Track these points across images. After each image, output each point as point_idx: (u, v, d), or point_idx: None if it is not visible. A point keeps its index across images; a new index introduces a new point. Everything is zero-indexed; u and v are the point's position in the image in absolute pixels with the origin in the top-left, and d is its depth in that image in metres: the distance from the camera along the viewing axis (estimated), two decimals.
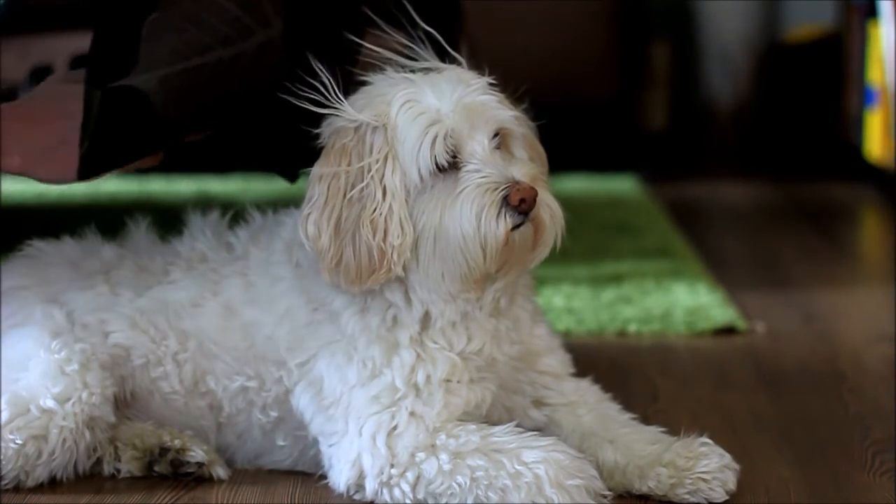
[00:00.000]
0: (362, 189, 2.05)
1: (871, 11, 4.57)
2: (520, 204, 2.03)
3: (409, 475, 2.04)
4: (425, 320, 2.10)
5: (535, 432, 2.11)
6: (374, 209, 2.04)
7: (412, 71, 2.12)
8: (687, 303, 3.19)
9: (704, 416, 2.50)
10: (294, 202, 2.19)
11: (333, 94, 2.07)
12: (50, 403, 2.13)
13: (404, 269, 2.07)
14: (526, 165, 2.09)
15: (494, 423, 2.10)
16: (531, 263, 2.12)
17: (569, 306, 3.15)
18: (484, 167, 2.04)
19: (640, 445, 2.14)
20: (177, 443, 2.19)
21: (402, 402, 2.07)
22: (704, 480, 2.09)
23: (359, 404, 2.08)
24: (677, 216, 4.20)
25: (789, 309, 3.23)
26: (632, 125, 5.11)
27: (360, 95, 2.11)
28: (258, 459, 2.24)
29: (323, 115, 2.08)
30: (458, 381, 2.10)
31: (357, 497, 2.09)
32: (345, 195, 2.05)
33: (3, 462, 2.12)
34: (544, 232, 2.07)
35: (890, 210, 4.40)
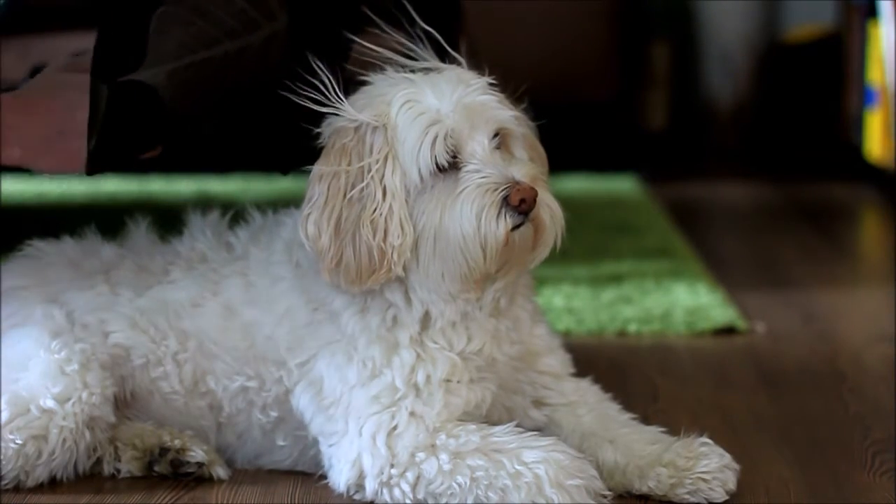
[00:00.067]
0: (362, 189, 2.05)
1: (871, 11, 4.57)
2: (520, 204, 2.03)
3: (409, 475, 2.04)
4: (425, 320, 2.10)
5: (535, 432, 2.11)
6: (375, 209, 2.04)
7: (412, 71, 2.12)
8: (687, 303, 3.19)
9: (704, 416, 2.50)
10: (294, 202, 2.19)
11: (334, 94, 2.07)
12: (50, 403, 2.13)
13: (404, 269, 2.07)
14: (526, 165, 2.09)
15: (494, 423, 2.10)
16: (531, 263, 2.12)
17: (569, 306, 3.15)
18: (484, 167, 2.04)
19: (640, 445, 2.14)
20: (177, 443, 2.19)
21: (402, 402, 2.07)
22: (704, 480, 2.09)
23: (359, 404, 2.08)
24: (677, 216, 4.20)
25: (789, 309, 3.23)
26: (632, 125, 5.11)
27: (360, 95, 2.11)
28: (258, 459, 2.24)
29: (323, 114, 2.08)
30: (458, 381, 2.10)
31: (357, 497, 2.09)
32: (345, 195, 2.05)
33: (3, 462, 2.12)
34: (544, 232, 2.07)
35: (890, 210, 4.40)
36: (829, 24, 5.34)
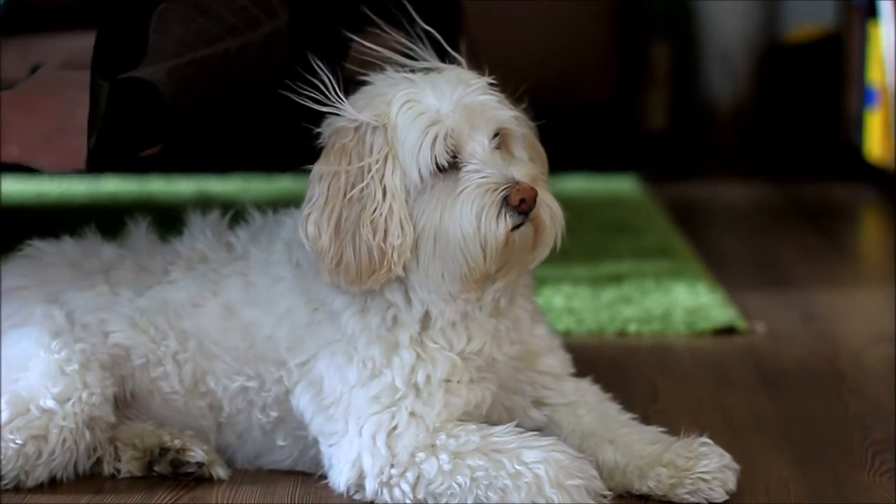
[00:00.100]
0: (362, 189, 2.05)
1: (871, 11, 4.57)
2: (520, 204, 2.03)
3: (409, 475, 2.04)
4: (425, 320, 2.10)
5: (535, 432, 2.11)
6: (375, 209, 2.04)
7: (412, 71, 2.12)
8: (687, 303, 3.19)
9: (704, 416, 2.50)
10: (294, 202, 2.19)
11: (334, 94, 2.07)
12: (50, 403, 2.13)
13: (404, 269, 2.07)
14: (526, 165, 2.09)
15: (494, 423, 2.10)
16: (531, 263, 2.12)
17: (569, 306, 3.15)
18: (484, 167, 2.04)
19: (640, 445, 2.14)
20: (177, 443, 2.19)
21: (402, 402, 2.07)
22: (704, 480, 2.09)
23: (359, 404, 2.08)
24: (677, 216, 4.20)
25: (789, 309, 3.23)
26: (632, 125, 5.11)
27: (360, 95, 2.11)
28: (258, 459, 2.24)
29: (323, 114, 2.08)
30: (458, 381, 2.10)
31: (357, 497, 2.09)
32: (345, 195, 2.05)
33: (3, 462, 2.12)
34: (544, 232, 2.07)
35: (890, 210, 4.40)
36: (829, 24, 5.34)
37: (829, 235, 4.11)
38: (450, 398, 2.09)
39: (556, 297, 3.21)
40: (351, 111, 2.07)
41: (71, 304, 2.24)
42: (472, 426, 2.07)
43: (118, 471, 2.21)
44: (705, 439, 2.13)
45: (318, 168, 2.08)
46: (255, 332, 2.17)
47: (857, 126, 4.77)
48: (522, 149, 2.13)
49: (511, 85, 2.17)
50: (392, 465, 2.05)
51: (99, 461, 2.20)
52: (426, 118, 2.05)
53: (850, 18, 4.96)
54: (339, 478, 2.09)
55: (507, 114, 2.10)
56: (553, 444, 2.04)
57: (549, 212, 2.07)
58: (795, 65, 5.31)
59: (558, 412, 2.21)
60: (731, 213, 4.53)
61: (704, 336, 3.01)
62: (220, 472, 2.19)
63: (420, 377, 2.09)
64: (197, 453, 2.18)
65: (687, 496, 2.09)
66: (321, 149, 2.11)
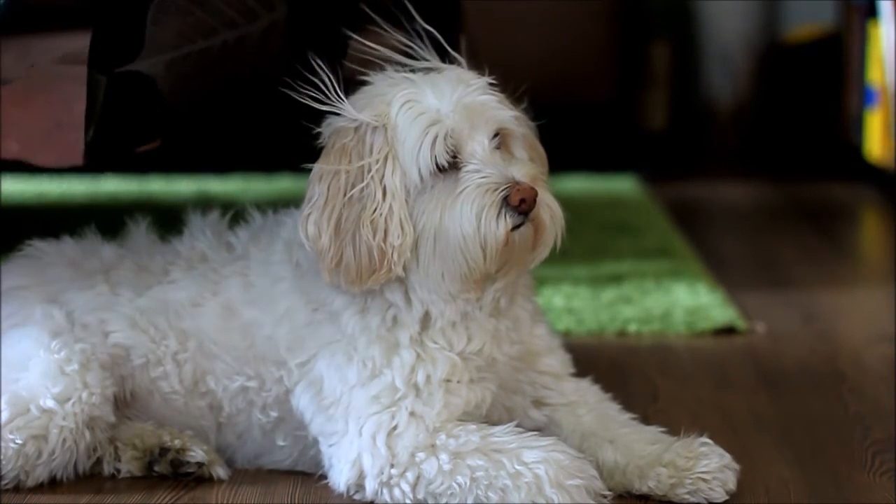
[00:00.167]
0: (362, 189, 2.05)
1: (871, 11, 4.57)
2: (520, 204, 2.03)
3: (409, 475, 2.04)
4: (425, 320, 2.10)
5: (535, 432, 2.11)
6: (375, 209, 2.04)
7: (412, 71, 2.12)
8: (687, 303, 3.19)
9: (704, 416, 2.50)
10: (294, 202, 2.19)
11: (334, 94, 2.07)
12: (50, 403, 2.13)
13: (404, 269, 2.07)
14: (526, 165, 2.09)
15: (494, 423, 2.10)
16: (531, 263, 2.12)
17: (569, 306, 3.15)
18: (484, 167, 2.04)
19: (640, 445, 2.14)
20: (177, 443, 2.19)
21: (402, 402, 2.07)
22: (704, 480, 2.09)
23: (359, 404, 2.08)
24: (677, 216, 4.20)
25: (789, 309, 3.23)
26: (632, 125, 5.11)
27: (360, 95, 2.11)
28: (258, 459, 2.24)
29: (323, 113, 2.08)
30: (458, 381, 2.10)
31: (357, 497, 2.09)
32: (345, 195, 2.05)
33: (3, 462, 2.12)
34: (544, 232, 2.07)
35: (890, 210, 4.40)
36: (829, 24, 5.34)
37: (829, 235, 4.11)
38: (450, 398, 2.09)
39: (556, 297, 3.21)
40: (351, 111, 2.07)
41: (71, 304, 2.24)
42: (472, 426, 2.07)
43: (118, 471, 2.21)
44: (705, 439, 2.13)
45: (318, 168, 2.08)
46: (255, 332, 2.17)
47: (857, 126, 4.77)
48: (522, 149, 2.13)
49: (511, 85, 2.17)
50: (392, 465, 2.05)
51: (99, 461, 2.20)
52: (426, 118, 2.05)
53: (850, 18, 4.96)
54: (339, 478, 2.09)
55: (507, 114, 2.10)
56: (553, 444, 2.04)
57: (549, 212, 2.07)
58: (795, 65, 5.31)
59: (558, 412, 2.21)
60: (731, 213, 4.53)
61: (704, 336, 3.01)
62: (220, 472, 2.19)
63: (420, 377, 2.08)
64: (197, 453, 2.18)
65: (687, 496, 2.09)
66: (321, 148, 2.11)
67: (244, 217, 2.28)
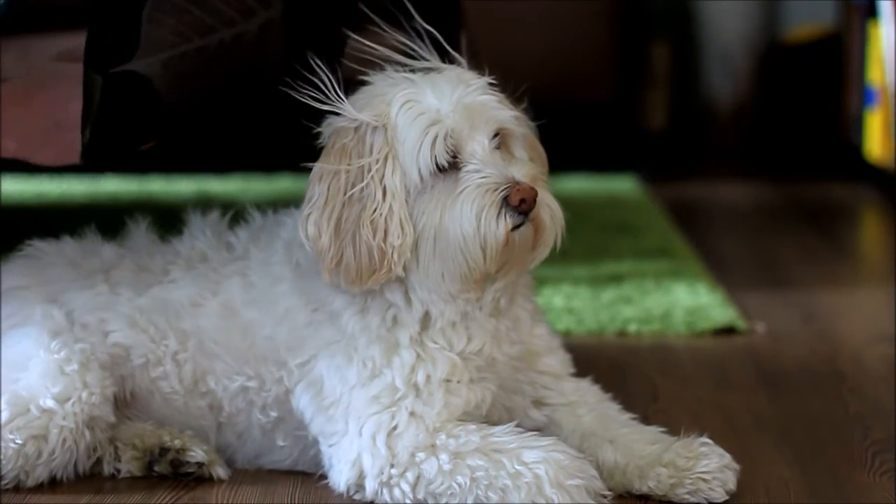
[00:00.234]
0: (362, 189, 2.04)
1: (871, 11, 4.57)
2: (520, 204, 2.03)
3: (409, 475, 2.04)
4: (425, 320, 2.10)
5: (535, 432, 2.11)
6: (375, 209, 2.04)
7: (412, 71, 2.12)
8: (687, 303, 3.19)
9: (704, 416, 2.50)
10: (294, 202, 2.19)
11: (334, 94, 2.07)
12: (50, 403, 2.13)
13: (404, 269, 2.06)
14: (526, 165, 2.09)
15: (494, 423, 2.10)
16: (531, 263, 2.12)
17: (569, 306, 3.15)
18: (484, 167, 2.04)
19: (640, 445, 2.14)
20: (177, 443, 2.19)
21: (402, 402, 2.07)
22: (704, 480, 2.09)
23: (359, 404, 2.08)
24: (677, 216, 4.20)
25: (789, 309, 3.23)
26: (632, 125, 5.11)
27: (360, 95, 2.11)
28: (258, 459, 2.24)
29: (322, 112, 2.08)
30: (458, 381, 2.10)
31: (357, 497, 2.09)
32: (345, 195, 2.05)
33: (3, 462, 2.12)
34: (544, 232, 2.07)
35: (890, 210, 4.40)
36: (829, 24, 5.34)
37: (829, 235, 4.11)
38: (450, 398, 2.09)
39: (556, 297, 3.21)
40: (351, 111, 2.07)
41: (71, 304, 2.24)
42: (472, 426, 2.07)
43: (118, 471, 2.21)
44: (705, 439, 2.13)
45: (318, 168, 2.08)
46: (255, 332, 2.17)
47: (857, 126, 4.77)
48: (522, 149, 2.13)
49: (511, 85, 2.17)
50: (392, 465, 2.05)
51: (99, 461, 2.20)
52: (426, 118, 2.05)
53: (850, 18, 4.96)
54: (339, 478, 2.09)
55: (507, 114, 2.10)
56: (553, 444, 2.04)
57: (549, 212, 2.07)
58: (795, 65, 5.31)
59: (558, 412, 2.21)
60: (731, 213, 4.53)
61: (704, 336, 3.01)
62: (220, 472, 2.19)
63: (420, 377, 2.08)
64: (197, 453, 2.18)
65: (687, 496, 2.09)
66: (321, 148, 2.11)
67: (244, 217, 2.28)
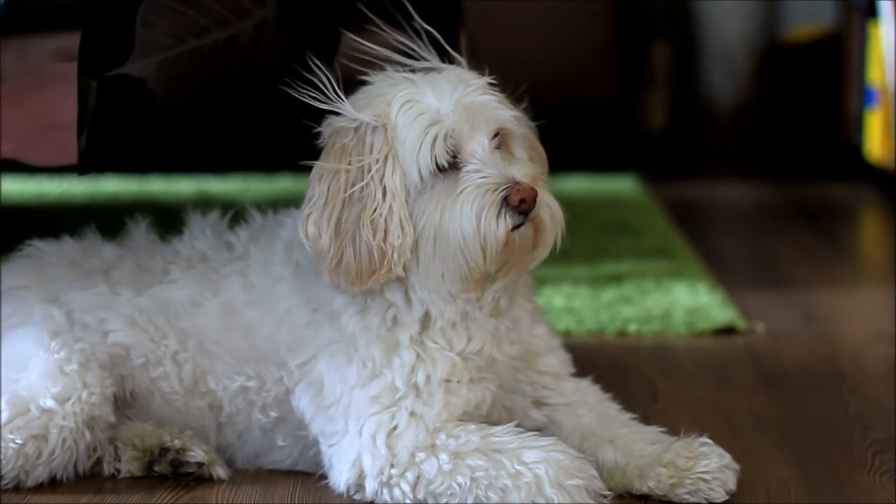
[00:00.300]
0: (362, 189, 2.04)
1: (871, 11, 4.57)
2: (520, 204, 2.03)
3: (409, 475, 2.04)
4: (425, 320, 2.10)
5: (535, 432, 2.11)
6: (375, 209, 2.04)
7: (412, 71, 2.12)
8: (687, 303, 3.19)
9: (704, 416, 2.50)
10: (294, 202, 2.19)
11: (334, 94, 2.07)
12: (50, 403, 2.13)
13: (404, 269, 2.06)
14: (526, 165, 2.09)
15: (494, 423, 2.10)
16: (531, 263, 2.12)
17: (569, 306, 3.15)
18: (484, 167, 2.04)
19: (640, 445, 2.14)
20: (177, 443, 2.19)
21: (402, 403, 2.07)
22: (704, 480, 2.09)
23: (359, 404, 2.08)
24: (677, 216, 4.20)
25: (789, 309, 3.23)
26: (632, 125, 5.11)
27: (360, 95, 2.11)
28: (258, 459, 2.24)
29: (320, 111, 2.08)
30: (458, 381, 2.10)
31: (357, 497, 2.09)
32: (345, 195, 2.05)
33: (3, 462, 2.12)
34: (544, 232, 2.07)
35: (890, 210, 4.40)
36: (829, 24, 5.34)
37: (829, 235, 4.11)
38: (450, 398, 2.09)
39: (556, 297, 3.21)
40: (351, 111, 2.07)
41: (71, 304, 2.24)
42: (472, 426, 2.07)
43: (118, 471, 2.21)
44: (705, 439, 2.13)
45: (317, 168, 2.08)
46: (255, 332, 2.17)
47: (857, 126, 4.77)
48: (522, 149, 2.13)
49: (511, 85, 2.17)
50: (392, 465, 2.05)
51: (99, 461, 2.20)
52: (426, 118, 2.05)
53: (850, 18, 4.96)
54: (339, 478, 2.09)
55: (507, 114, 2.10)
56: (553, 444, 2.04)
57: (549, 212, 2.07)
58: (795, 65, 5.31)
59: (558, 412, 2.21)
60: (731, 213, 4.53)
61: (704, 336, 3.01)
62: (220, 472, 2.19)
63: (420, 377, 2.08)
64: (197, 453, 2.18)
65: (687, 496, 2.09)
66: (321, 148, 2.11)
67: (244, 217, 2.28)
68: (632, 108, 5.16)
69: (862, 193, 4.67)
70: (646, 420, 2.24)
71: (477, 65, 2.15)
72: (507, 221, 2.03)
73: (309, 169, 2.09)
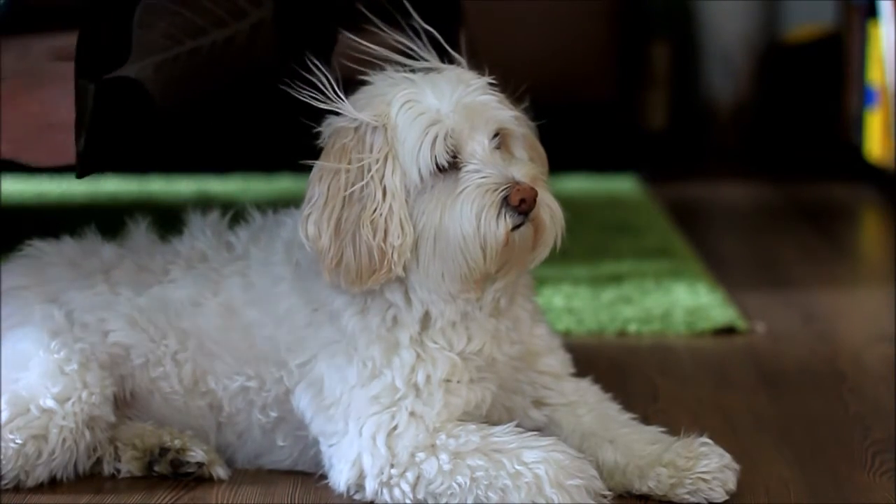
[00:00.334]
0: (362, 189, 2.04)
1: (871, 11, 4.57)
2: (520, 204, 2.03)
3: (409, 475, 2.04)
4: (425, 320, 2.10)
5: (535, 432, 2.11)
6: (375, 209, 2.04)
7: (412, 71, 2.12)
8: (687, 303, 3.19)
9: (704, 416, 2.50)
10: (294, 202, 2.19)
11: (334, 94, 2.07)
12: (50, 403, 2.13)
13: (404, 269, 2.06)
14: (526, 165, 2.09)
15: (494, 423, 2.10)
16: (531, 263, 2.12)
17: (569, 306, 3.15)
18: (484, 167, 2.04)
19: (640, 445, 2.14)
20: (177, 443, 2.19)
21: (402, 403, 2.07)
22: (704, 480, 2.09)
23: (359, 404, 2.08)
24: (677, 216, 4.20)
25: (789, 309, 3.23)
26: (632, 125, 5.11)
27: (360, 95, 2.11)
28: (258, 459, 2.24)
29: (319, 111, 2.08)
30: (458, 381, 2.10)
31: (357, 497, 2.09)
32: (345, 195, 2.05)
33: (3, 462, 2.12)
34: (544, 232, 2.07)
35: (890, 210, 4.40)
36: (829, 24, 5.34)
37: (829, 235, 4.11)
38: (450, 398, 2.09)
39: (556, 297, 3.21)
40: (351, 111, 2.07)
41: (70, 304, 2.24)
42: (472, 426, 2.07)
43: (118, 471, 2.21)
44: (705, 439, 2.13)
45: (317, 168, 2.08)
46: (255, 332, 2.17)
47: (857, 126, 4.77)
48: (522, 149, 2.13)
49: (511, 85, 2.17)
50: (392, 465, 2.05)
51: (99, 461, 2.20)
52: (426, 118, 2.05)
53: (850, 18, 4.96)
54: (339, 478, 2.09)
55: (507, 114, 2.10)
56: (553, 444, 2.04)
57: (549, 212, 2.07)
58: (795, 65, 5.31)
59: (558, 412, 2.21)
60: (731, 213, 4.53)
61: (704, 336, 3.01)
62: (220, 472, 2.19)
63: (420, 377, 2.08)
64: (197, 453, 2.18)
65: (687, 496, 2.09)
66: (321, 148, 2.11)
67: (244, 217, 2.28)
68: (632, 108, 5.16)
69: (862, 193, 4.67)
70: (646, 420, 2.24)
71: (477, 65, 2.15)
72: (507, 221, 2.03)
73: (309, 169, 2.09)
